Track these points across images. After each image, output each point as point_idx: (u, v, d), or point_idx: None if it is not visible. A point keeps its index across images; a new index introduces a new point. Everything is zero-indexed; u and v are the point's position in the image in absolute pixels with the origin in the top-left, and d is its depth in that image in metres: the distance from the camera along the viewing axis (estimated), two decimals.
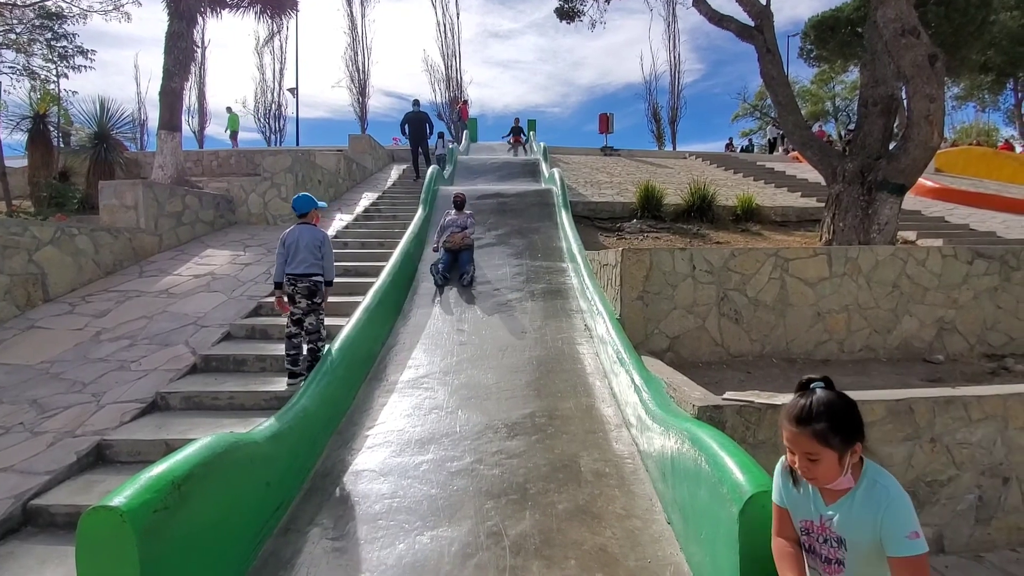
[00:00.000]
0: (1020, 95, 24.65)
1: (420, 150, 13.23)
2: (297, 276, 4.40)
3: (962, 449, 3.26)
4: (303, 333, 4.43)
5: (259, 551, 2.57)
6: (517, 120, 19.22)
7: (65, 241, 6.32)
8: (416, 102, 13.67)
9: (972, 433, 3.27)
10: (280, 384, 4.42)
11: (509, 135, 18.92)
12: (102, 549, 1.78)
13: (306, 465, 3.29)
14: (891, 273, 5.15)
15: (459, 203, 7.25)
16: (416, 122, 13.01)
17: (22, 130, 10.88)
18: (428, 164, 12.72)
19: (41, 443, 3.73)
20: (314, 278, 4.44)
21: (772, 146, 23.24)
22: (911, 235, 9.21)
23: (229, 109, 22.24)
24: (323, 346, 4.45)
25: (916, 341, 5.18)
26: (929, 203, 12.36)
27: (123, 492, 1.87)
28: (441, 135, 15.44)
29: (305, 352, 4.44)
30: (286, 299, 4.46)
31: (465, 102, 24.36)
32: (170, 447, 3.48)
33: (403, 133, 13.49)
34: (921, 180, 10.65)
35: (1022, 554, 3.23)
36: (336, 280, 5.09)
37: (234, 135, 21.81)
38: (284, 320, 4.65)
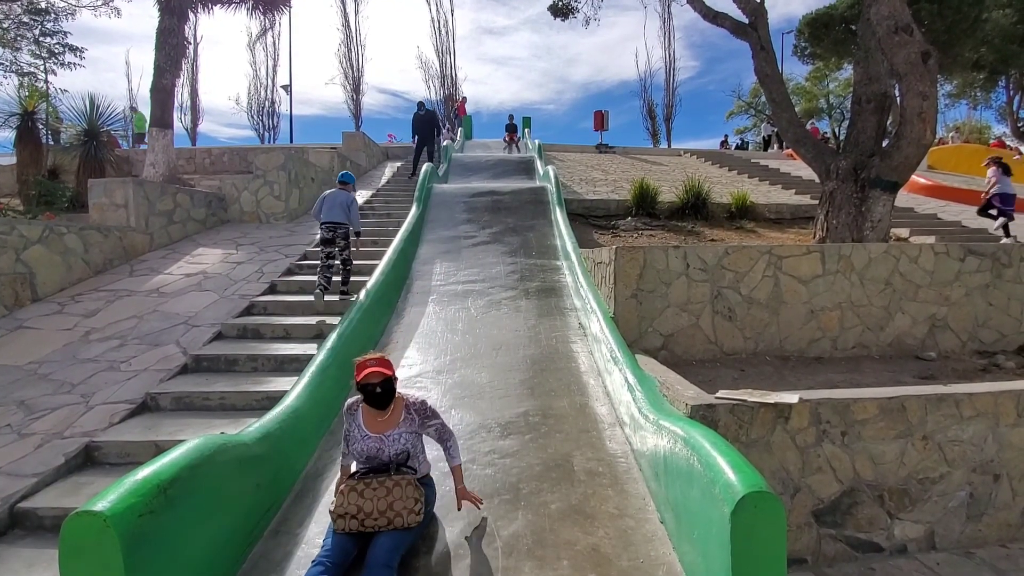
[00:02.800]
0: (1012, 93, 24.78)
1: (426, 150, 13.16)
2: (335, 223, 5.87)
3: (953, 446, 3.28)
4: (340, 263, 5.97)
5: (249, 554, 2.54)
6: (511, 117, 19.15)
7: (54, 240, 6.25)
8: (421, 104, 13.65)
9: (963, 430, 3.28)
10: (273, 384, 4.40)
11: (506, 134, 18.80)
12: (86, 555, 1.75)
13: (297, 466, 3.26)
14: (884, 270, 5.17)
15: (376, 392, 2.53)
16: (424, 124, 13.06)
17: (10, 127, 10.74)
18: (436, 165, 12.65)
19: (29, 445, 3.68)
20: (345, 226, 5.95)
21: (767, 143, 23.29)
22: (904, 232, 9.25)
23: (134, 109, 20.25)
24: (352, 270, 6.12)
25: (908, 338, 5.20)
26: (922, 200, 12.43)
27: (107, 496, 1.84)
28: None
29: (341, 275, 5.98)
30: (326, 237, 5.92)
31: (464, 99, 24.32)
32: (160, 448, 3.45)
33: (414, 138, 13.37)
34: (914, 177, 10.68)
35: (1012, 550, 3.25)
36: None
37: (140, 137, 18.64)
38: (277, 320, 5.62)
